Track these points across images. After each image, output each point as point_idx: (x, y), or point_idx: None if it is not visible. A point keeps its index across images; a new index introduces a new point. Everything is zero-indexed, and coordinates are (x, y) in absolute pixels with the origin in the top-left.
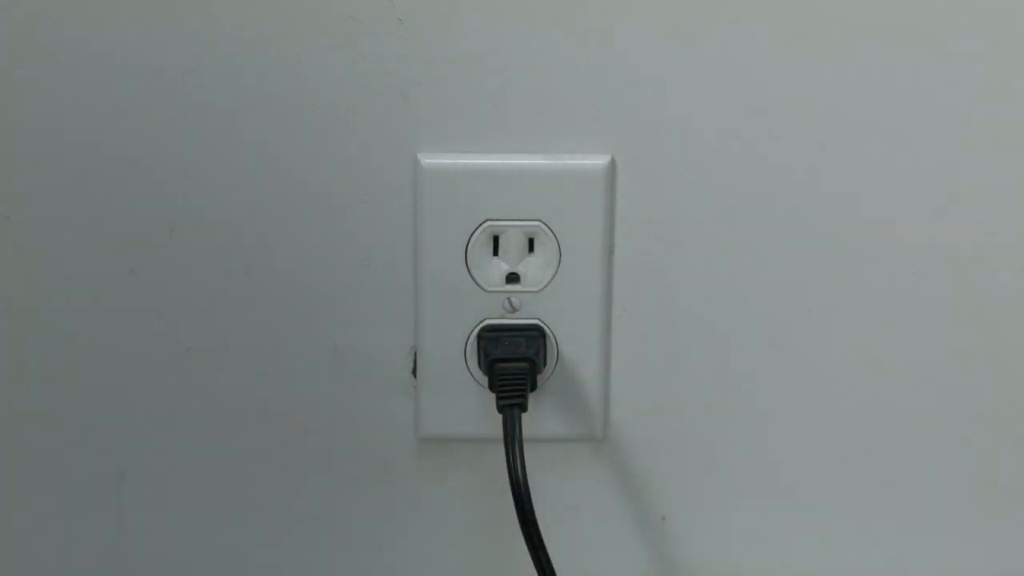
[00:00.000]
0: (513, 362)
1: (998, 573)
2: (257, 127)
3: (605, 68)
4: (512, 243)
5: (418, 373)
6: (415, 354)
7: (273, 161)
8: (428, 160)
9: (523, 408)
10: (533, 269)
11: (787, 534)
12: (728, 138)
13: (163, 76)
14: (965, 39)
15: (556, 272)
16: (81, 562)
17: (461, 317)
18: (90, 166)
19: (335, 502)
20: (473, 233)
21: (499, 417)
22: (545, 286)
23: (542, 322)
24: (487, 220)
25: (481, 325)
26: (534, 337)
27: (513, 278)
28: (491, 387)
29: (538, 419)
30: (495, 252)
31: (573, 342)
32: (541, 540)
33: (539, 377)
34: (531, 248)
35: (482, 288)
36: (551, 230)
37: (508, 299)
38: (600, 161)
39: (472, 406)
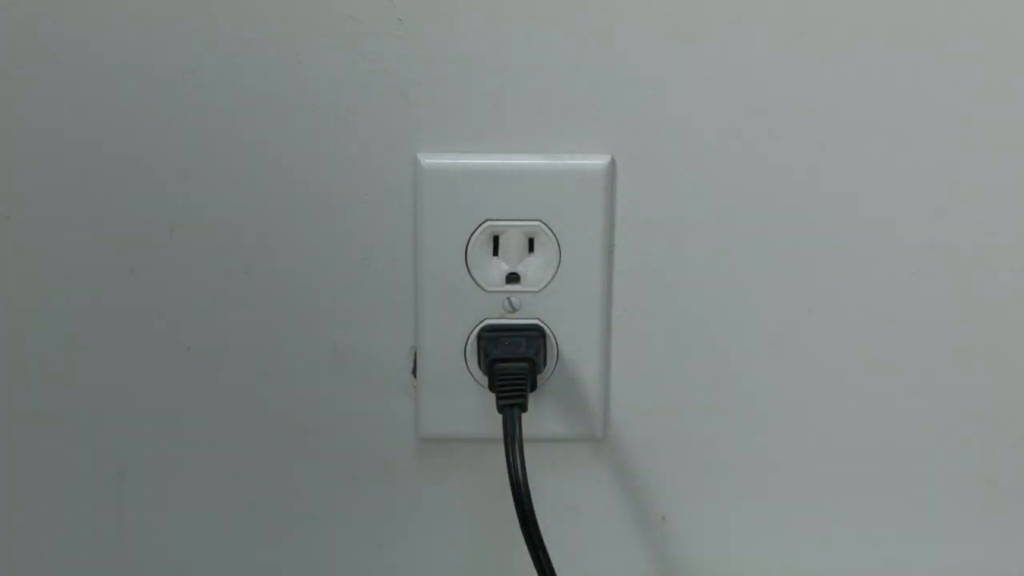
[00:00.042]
0: (513, 362)
1: (998, 573)
2: (257, 127)
3: (605, 68)
4: (512, 243)
5: (418, 373)
6: (415, 354)
7: (273, 161)
8: (428, 160)
9: (523, 408)
10: (533, 269)
11: (787, 534)
12: (728, 138)
13: (163, 76)
14: (965, 39)
15: (556, 272)
16: (81, 562)
17: (461, 317)
18: (90, 166)
19: (335, 502)
20: (473, 233)
21: (499, 417)
22: (545, 286)
23: (542, 322)
24: (487, 220)
25: (481, 325)
26: (534, 337)
27: (513, 278)
28: (491, 387)
29: (538, 419)
30: (495, 252)
31: (573, 342)
32: (541, 540)
33: (539, 377)
34: (531, 248)
35: (482, 288)
36: (551, 230)
37: (508, 299)
38: (600, 161)
39: (472, 406)
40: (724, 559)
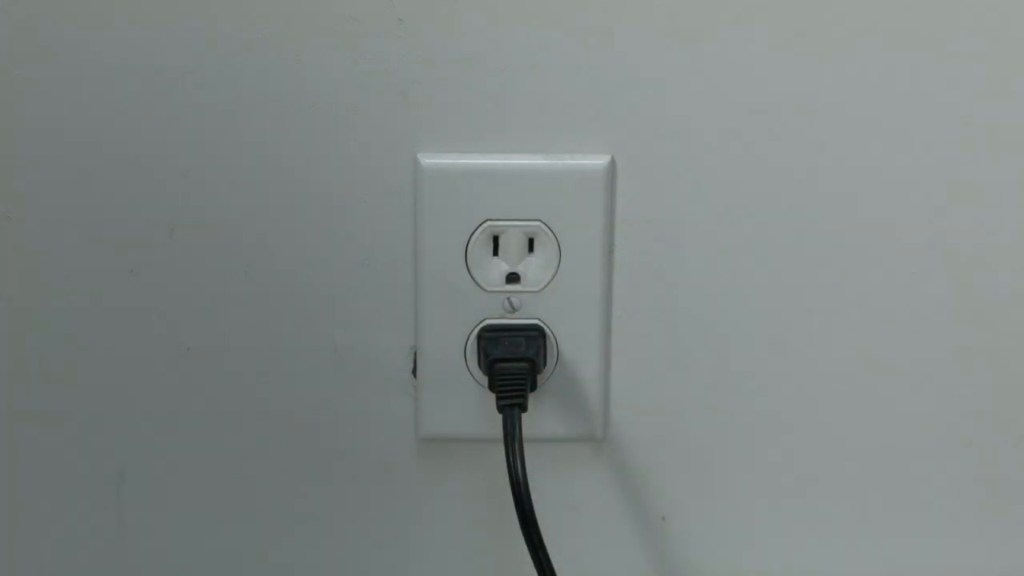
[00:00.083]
0: (513, 362)
1: (998, 573)
2: (257, 127)
3: (605, 68)
4: (512, 243)
5: (418, 373)
6: (415, 354)
7: (273, 161)
8: (428, 160)
9: (523, 408)
10: (533, 269)
11: (787, 534)
12: (728, 138)
13: (163, 76)
14: (965, 39)
15: (556, 272)
16: (81, 562)
17: (461, 317)
18: (90, 166)
19: (335, 502)
20: (473, 233)
21: (499, 417)
22: (545, 286)
23: (542, 322)
24: (487, 220)
25: (481, 325)
26: (534, 337)
27: (513, 278)
28: (491, 387)
29: (538, 419)
30: (495, 252)
31: (573, 342)
32: (541, 540)
33: (539, 377)
34: (531, 248)
35: (482, 288)
36: (551, 230)
37: (508, 299)
38: (600, 161)
39: (472, 406)
40: (724, 559)
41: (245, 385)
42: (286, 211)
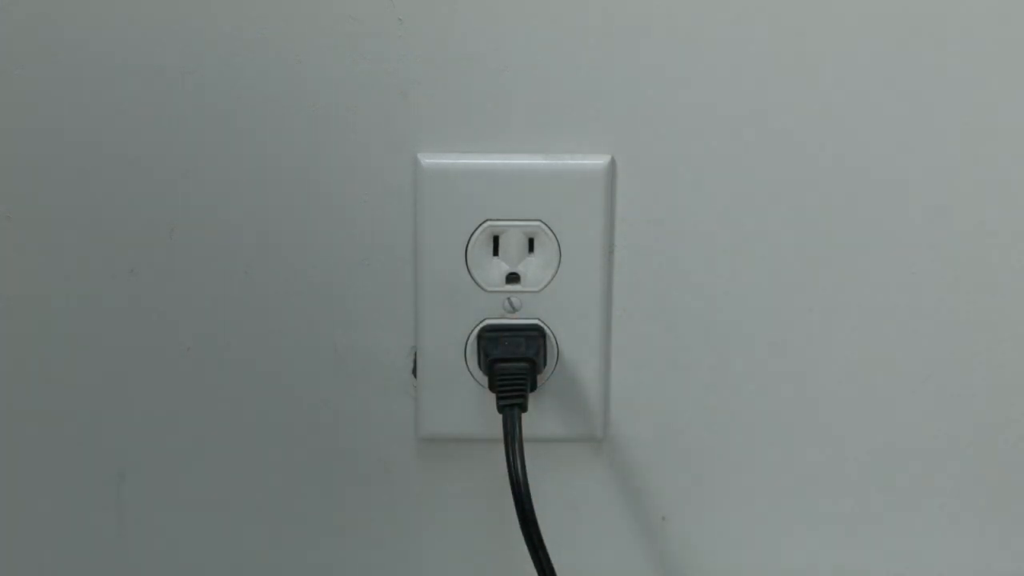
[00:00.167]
0: (513, 362)
1: (998, 573)
2: (257, 127)
3: (605, 68)
4: (512, 243)
5: (418, 373)
6: (415, 354)
7: (273, 161)
8: (428, 160)
9: (523, 408)
10: (533, 269)
11: (787, 534)
12: (728, 138)
13: (163, 76)
14: (965, 39)
15: (556, 272)
16: (81, 562)
17: (461, 317)
18: (90, 166)
19: (335, 502)
20: (473, 233)
21: (499, 417)
22: (545, 286)
23: (542, 322)
24: (487, 220)
25: (481, 325)
26: (534, 337)
27: (513, 278)
28: (491, 387)
29: (538, 419)
30: (495, 252)
31: (573, 342)
32: (541, 540)
33: (539, 377)
34: (531, 248)
35: (482, 288)
36: (551, 230)
37: (508, 299)
38: (600, 161)
39: (472, 406)
40: (724, 559)
41: (245, 385)
42: (286, 211)
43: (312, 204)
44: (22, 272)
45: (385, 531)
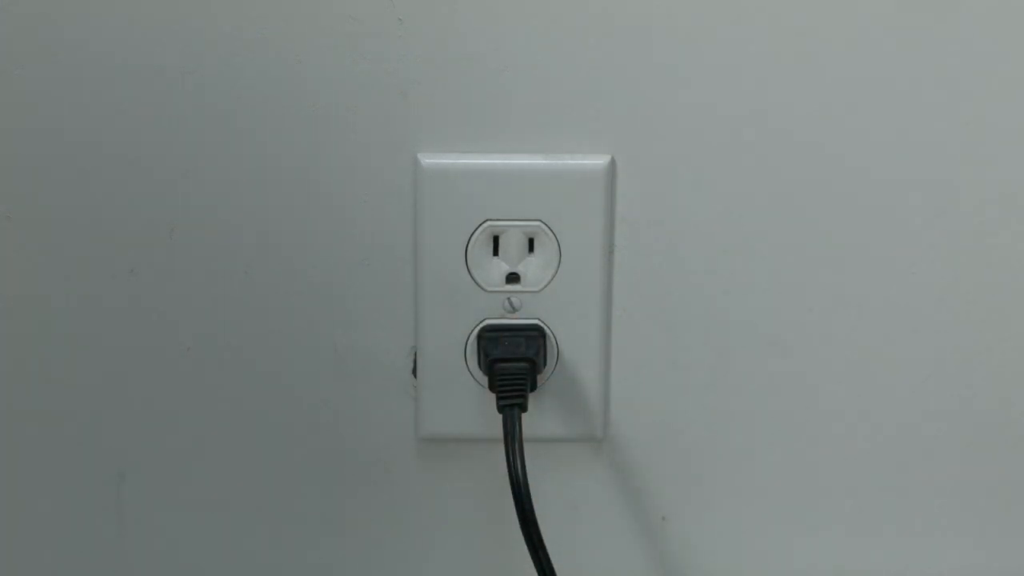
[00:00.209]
0: (513, 362)
1: (998, 573)
2: (257, 127)
3: (605, 68)
4: (512, 243)
5: (418, 373)
6: (415, 354)
7: (273, 161)
8: (428, 160)
9: (523, 408)
10: (533, 269)
11: (787, 534)
12: (728, 138)
13: (163, 76)
14: (965, 39)
15: (556, 272)
16: (81, 562)
17: (461, 317)
18: (90, 166)
19: (335, 502)
20: (473, 233)
21: (499, 417)
22: (545, 286)
23: (542, 322)
24: (487, 220)
25: (481, 325)
26: (534, 337)
27: (513, 278)
28: (491, 387)
29: (538, 419)
30: (495, 252)
31: (573, 342)
32: (541, 540)
33: (539, 377)
34: (531, 248)
35: (482, 288)
36: (551, 230)
37: (508, 299)
38: (600, 161)
39: (472, 406)
40: (724, 559)
41: (245, 385)
42: (286, 211)
43: (312, 204)
44: (22, 272)
45: (385, 531)
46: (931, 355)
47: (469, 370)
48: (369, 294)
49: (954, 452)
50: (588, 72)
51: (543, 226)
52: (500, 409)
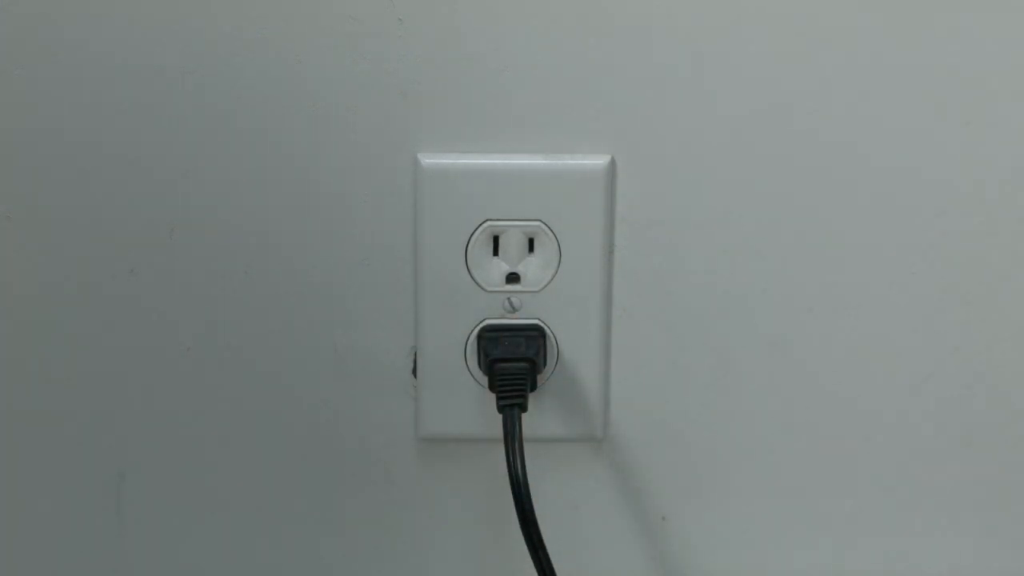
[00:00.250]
0: (513, 362)
1: (998, 573)
2: (257, 127)
3: (605, 68)
4: (512, 243)
5: (418, 373)
6: (415, 354)
7: (273, 161)
8: (428, 160)
9: (523, 408)
10: (533, 269)
11: (787, 534)
12: (728, 138)
13: (163, 76)
14: (966, 40)
15: (556, 272)
16: (81, 562)
17: (461, 317)
18: (90, 166)
19: (335, 502)
20: (473, 233)
21: (499, 417)
22: (545, 286)
23: (542, 322)
24: (487, 220)
25: (481, 325)
26: (534, 337)
27: (513, 278)
28: (491, 387)
29: (538, 419)
30: (495, 252)
31: (573, 342)
32: (541, 540)
33: (539, 377)
34: (531, 248)
35: (482, 288)
36: (551, 230)
37: (508, 299)
38: (600, 161)
39: (472, 406)
40: (724, 559)
41: (245, 385)
42: (286, 211)
43: (312, 204)
44: (22, 272)
45: (385, 531)
46: (931, 355)
47: (469, 370)
48: (369, 294)
49: (954, 452)
50: (588, 72)
51: (543, 226)
52: (500, 409)
